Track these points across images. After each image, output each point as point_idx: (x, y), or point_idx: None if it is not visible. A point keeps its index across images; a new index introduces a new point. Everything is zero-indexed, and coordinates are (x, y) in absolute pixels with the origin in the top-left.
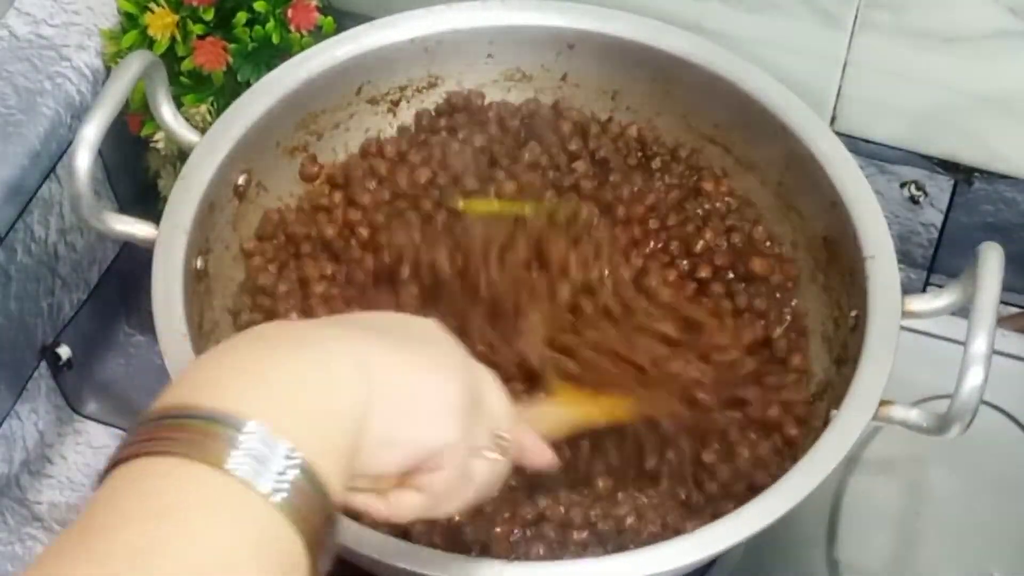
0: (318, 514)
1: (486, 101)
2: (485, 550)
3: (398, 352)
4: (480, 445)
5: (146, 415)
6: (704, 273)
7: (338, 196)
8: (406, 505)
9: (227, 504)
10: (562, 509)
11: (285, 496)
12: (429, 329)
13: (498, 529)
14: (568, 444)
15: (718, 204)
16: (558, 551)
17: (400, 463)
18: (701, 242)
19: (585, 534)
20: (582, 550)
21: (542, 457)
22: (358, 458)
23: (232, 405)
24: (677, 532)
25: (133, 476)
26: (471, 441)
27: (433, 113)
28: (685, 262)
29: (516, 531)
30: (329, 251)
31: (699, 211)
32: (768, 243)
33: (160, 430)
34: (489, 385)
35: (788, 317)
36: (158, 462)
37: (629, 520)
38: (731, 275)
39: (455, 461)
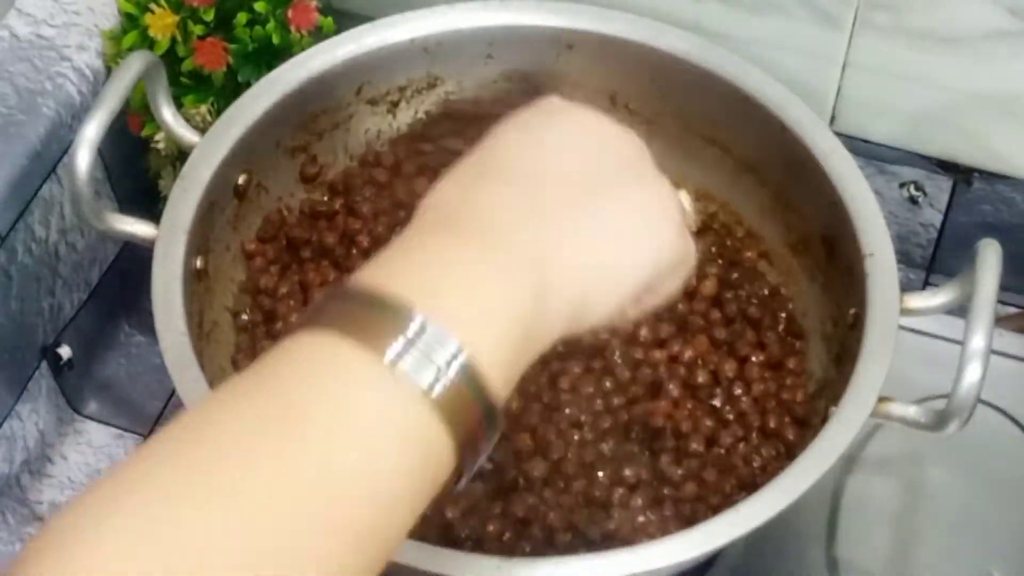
0: (474, 416)
1: (486, 108)
2: (478, 546)
3: (582, 228)
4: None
5: (334, 290)
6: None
7: (338, 203)
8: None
9: (380, 391)
10: (549, 512)
11: (442, 392)
12: (621, 154)
13: (490, 527)
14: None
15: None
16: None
17: (615, 310)
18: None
19: (569, 536)
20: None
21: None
22: (552, 331)
23: (409, 295)
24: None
25: (305, 349)
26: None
27: (427, 119)
28: None
29: (507, 532)
30: (330, 257)
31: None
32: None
33: (337, 306)
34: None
35: (782, 322)
36: (329, 340)
37: (615, 525)
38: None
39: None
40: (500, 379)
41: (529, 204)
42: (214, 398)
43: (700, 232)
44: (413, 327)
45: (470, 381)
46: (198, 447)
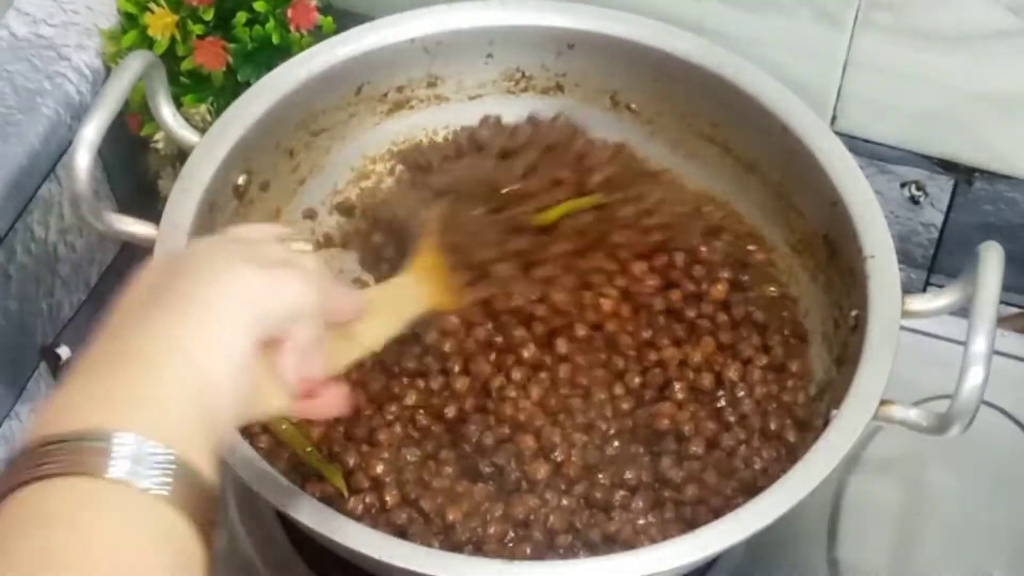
0: (199, 496)
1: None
2: (478, 549)
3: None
4: (280, 259)
5: (23, 447)
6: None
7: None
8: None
9: (115, 505)
10: (551, 514)
11: (166, 487)
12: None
13: (491, 530)
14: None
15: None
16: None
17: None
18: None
19: (570, 539)
20: (570, 554)
21: (347, 302)
22: (238, 412)
23: (98, 422)
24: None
25: (25, 501)
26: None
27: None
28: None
29: (508, 534)
30: None
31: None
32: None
33: (40, 457)
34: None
35: (787, 327)
36: (45, 485)
37: (615, 528)
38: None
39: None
40: (207, 461)
41: (162, 318)
42: None
43: (711, 234)
44: (126, 446)
45: (190, 473)
46: None
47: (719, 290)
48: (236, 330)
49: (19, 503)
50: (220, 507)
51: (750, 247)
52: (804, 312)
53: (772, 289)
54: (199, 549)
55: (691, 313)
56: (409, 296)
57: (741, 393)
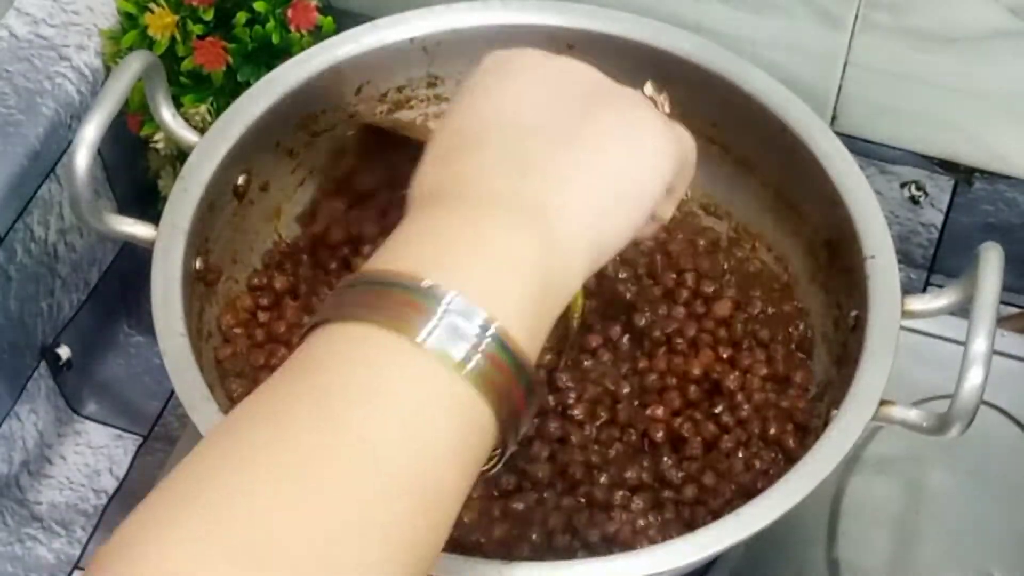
0: (512, 383)
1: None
2: (476, 548)
3: (572, 167)
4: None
5: (349, 279)
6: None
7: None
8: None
9: (415, 371)
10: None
11: (477, 366)
12: (580, 83)
13: (491, 530)
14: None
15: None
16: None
17: (632, 233)
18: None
19: (569, 538)
20: (568, 555)
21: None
22: (572, 279)
23: (425, 272)
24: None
25: (330, 340)
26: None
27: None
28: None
29: (507, 534)
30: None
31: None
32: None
33: (360, 295)
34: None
35: (794, 339)
36: (354, 328)
37: (615, 528)
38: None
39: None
40: (528, 339)
41: (514, 161)
42: (252, 399)
43: (713, 250)
44: (436, 303)
45: (501, 348)
46: (246, 446)
47: (723, 306)
48: (656, 179)
49: (324, 342)
50: (534, 400)
51: (750, 249)
52: (807, 326)
53: (776, 284)
54: (490, 442)
55: (691, 331)
56: None
57: (740, 398)
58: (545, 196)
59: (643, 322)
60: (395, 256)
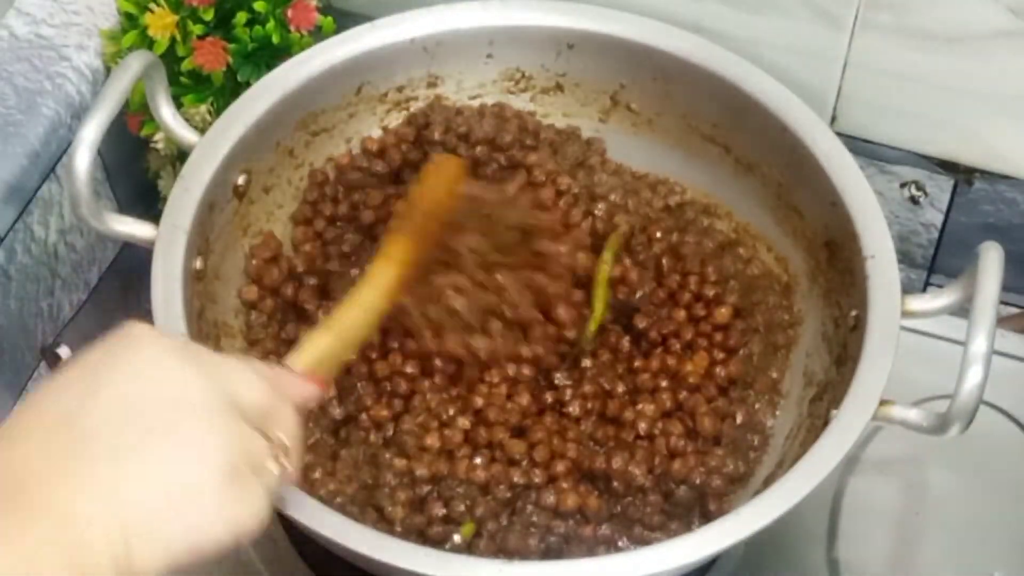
0: None
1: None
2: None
3: (119, 479)
4: (258, 457)
5: None
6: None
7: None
8: None
9: None
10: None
11: None
12: (161, 385)
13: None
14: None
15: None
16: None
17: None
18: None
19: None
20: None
21: (305, 391)
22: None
23: None
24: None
25: None
26: (247, 460)
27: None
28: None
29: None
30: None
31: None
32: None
33: None
34: (243, 386)
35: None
36: None
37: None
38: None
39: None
40: None
41: (63, 470)
42: None
43: (719, 251)
44: None
45: None
46: None
47: (722, 313)
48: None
49: None
50: None
51: (750, 249)
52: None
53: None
54: None
55: (688, 335)
56: (373, 295)
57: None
58: (84, 511)
59: (643, 324)
60: None
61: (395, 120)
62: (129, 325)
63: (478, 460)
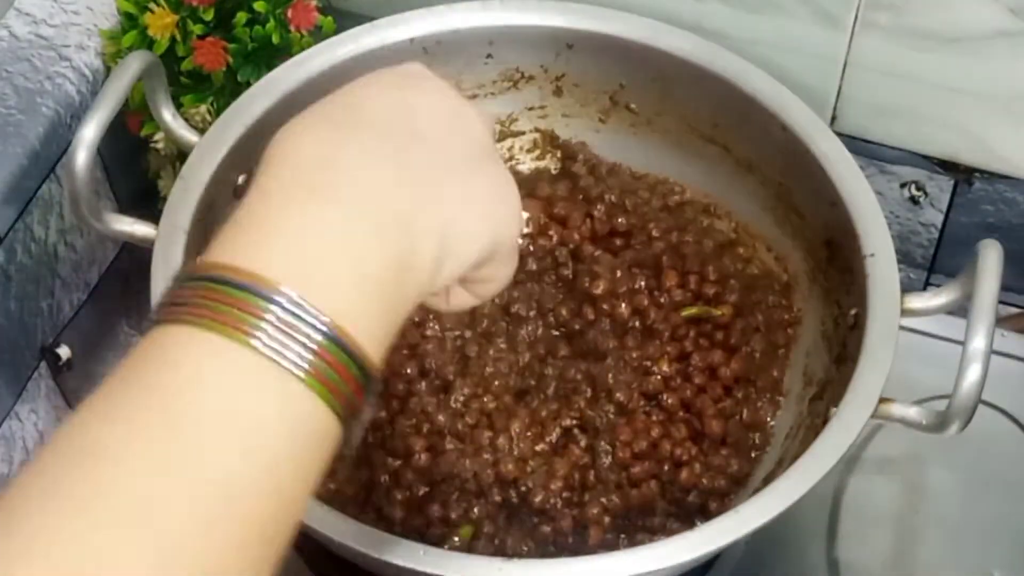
0: (349, 382)
1: None
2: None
3: (445, 192)
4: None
5: (186, 271)
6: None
7: None
8: (463, 303)
9: (251, 382)
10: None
11: (311, 367)
12: (435, 107)
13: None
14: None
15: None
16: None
17: (461, 274)
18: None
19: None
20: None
21: None
22: (417, 290)
23: (265, 270)
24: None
25: (164, 345)
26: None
27: None
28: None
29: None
30: None
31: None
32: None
33: (194, 293)
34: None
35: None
36: (187, 332)
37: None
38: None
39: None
40: (371, 342)
41: (395, 163)
42: (87, 410)
43: (719, 250)
44: (270, 303)
45: (341, 351)
46: (77, 466)
47: (724, 313)
48: (482, 232)
49: (152, 347)
50: (372, 397)
51: (749, 249)
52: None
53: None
54: (332, 440)
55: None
56: None
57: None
58: (414, 209)
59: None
60: (234, 246)
61: None
62: (409, 65)
63: (475, 461)
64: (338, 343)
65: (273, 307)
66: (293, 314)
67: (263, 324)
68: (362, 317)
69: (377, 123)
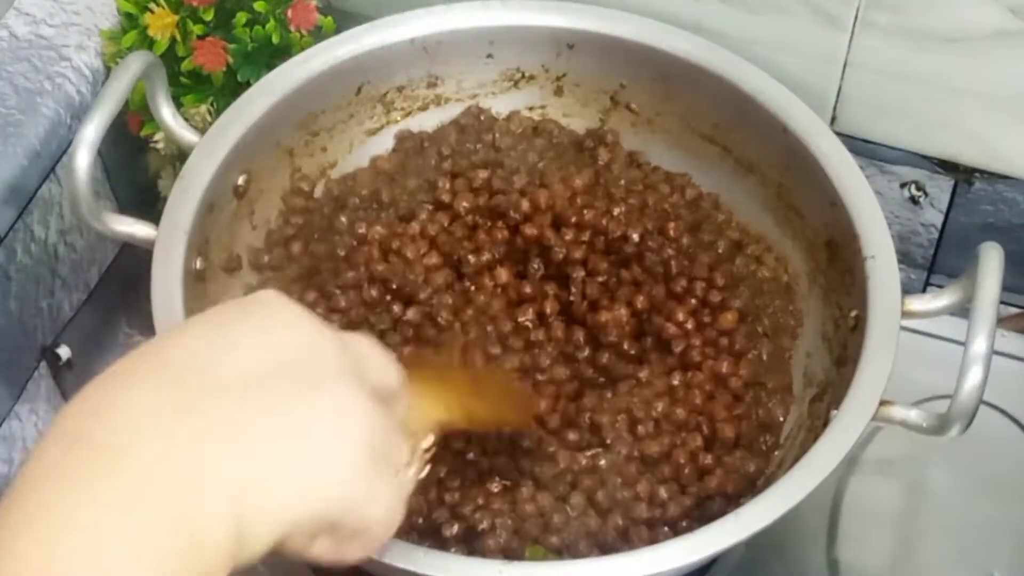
0: None
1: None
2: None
3: (241, 440)
4: (396, 449)
5: None
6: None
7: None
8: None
9: None
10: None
11: None
12: (299, 348)
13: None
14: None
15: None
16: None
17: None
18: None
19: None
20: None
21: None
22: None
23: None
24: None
25: None
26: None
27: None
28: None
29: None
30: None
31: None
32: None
33: None
34: (376, 366)
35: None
36: None
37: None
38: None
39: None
40: None
41: (189, 407)
42: None
43: (730, 256)
44: None
45: None
46: None
47: (727, 318)
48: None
49: None
50: None
51: (750, 250)
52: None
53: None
54: None
55: (696, 340)
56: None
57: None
58: (198, 495)
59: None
60: (15, 546)
61: (395, 119)
62: (260, 292)
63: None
64: None
65: None
66: None
67: None
68: None
69: (171, 376)
